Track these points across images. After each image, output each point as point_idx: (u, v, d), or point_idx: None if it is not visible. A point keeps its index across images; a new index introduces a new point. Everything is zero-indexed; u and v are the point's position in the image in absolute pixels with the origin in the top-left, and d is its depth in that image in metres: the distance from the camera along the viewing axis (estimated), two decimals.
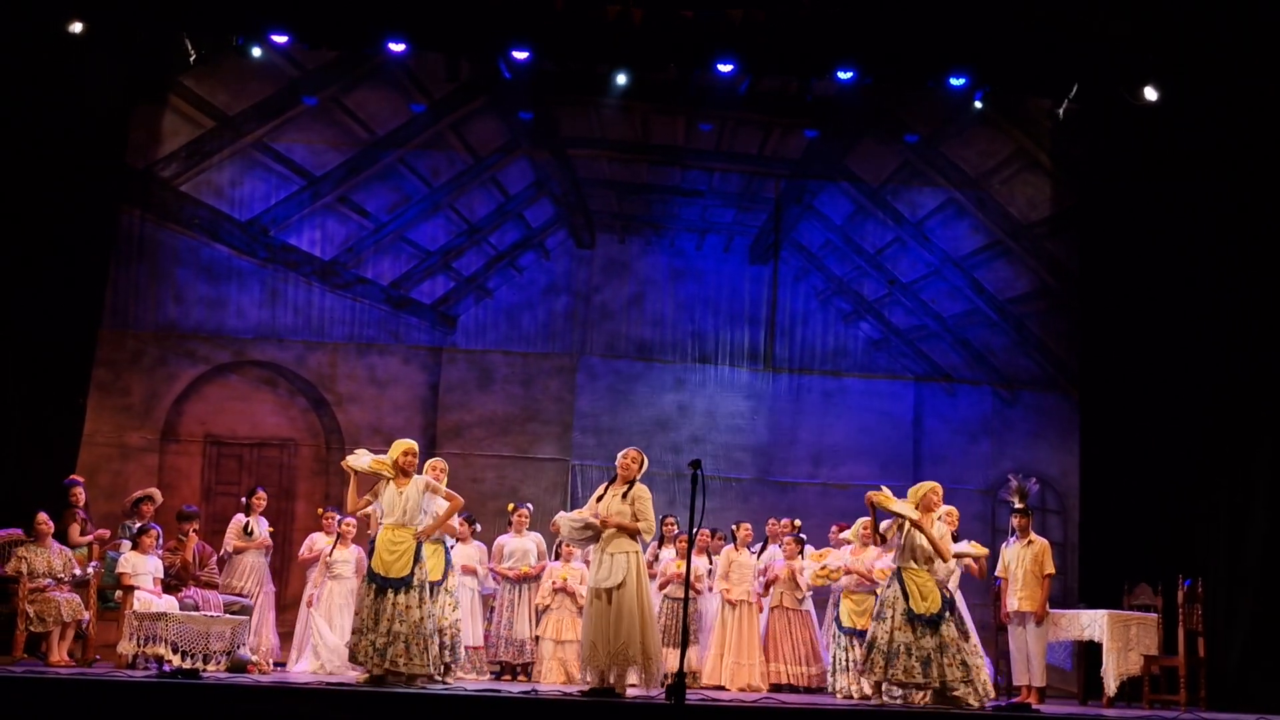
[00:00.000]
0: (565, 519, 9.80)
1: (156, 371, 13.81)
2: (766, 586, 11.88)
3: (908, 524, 10.03)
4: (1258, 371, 12.26)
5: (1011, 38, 12.86)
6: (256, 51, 13.51)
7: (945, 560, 10.14)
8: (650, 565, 11.98)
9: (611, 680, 9.38)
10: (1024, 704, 10.39)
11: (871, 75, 13.49)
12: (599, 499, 9.75)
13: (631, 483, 9.69)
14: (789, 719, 9.35)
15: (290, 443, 13.89)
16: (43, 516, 10.99)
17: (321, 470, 13.69)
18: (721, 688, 11.55)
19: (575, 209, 14.46)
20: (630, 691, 9.41)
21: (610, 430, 14.11)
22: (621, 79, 13.63)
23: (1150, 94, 12.87)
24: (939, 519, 10.18)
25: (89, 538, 11.55)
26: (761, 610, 11.98)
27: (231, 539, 11.98)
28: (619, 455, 9.81)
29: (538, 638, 11.54)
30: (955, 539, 10.91)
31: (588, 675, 9.51)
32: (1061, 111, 13.91)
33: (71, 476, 12.10)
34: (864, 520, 10.97)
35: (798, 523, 12.43)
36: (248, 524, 11.98)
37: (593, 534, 9.63)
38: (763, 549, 12.31)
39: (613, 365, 14.32)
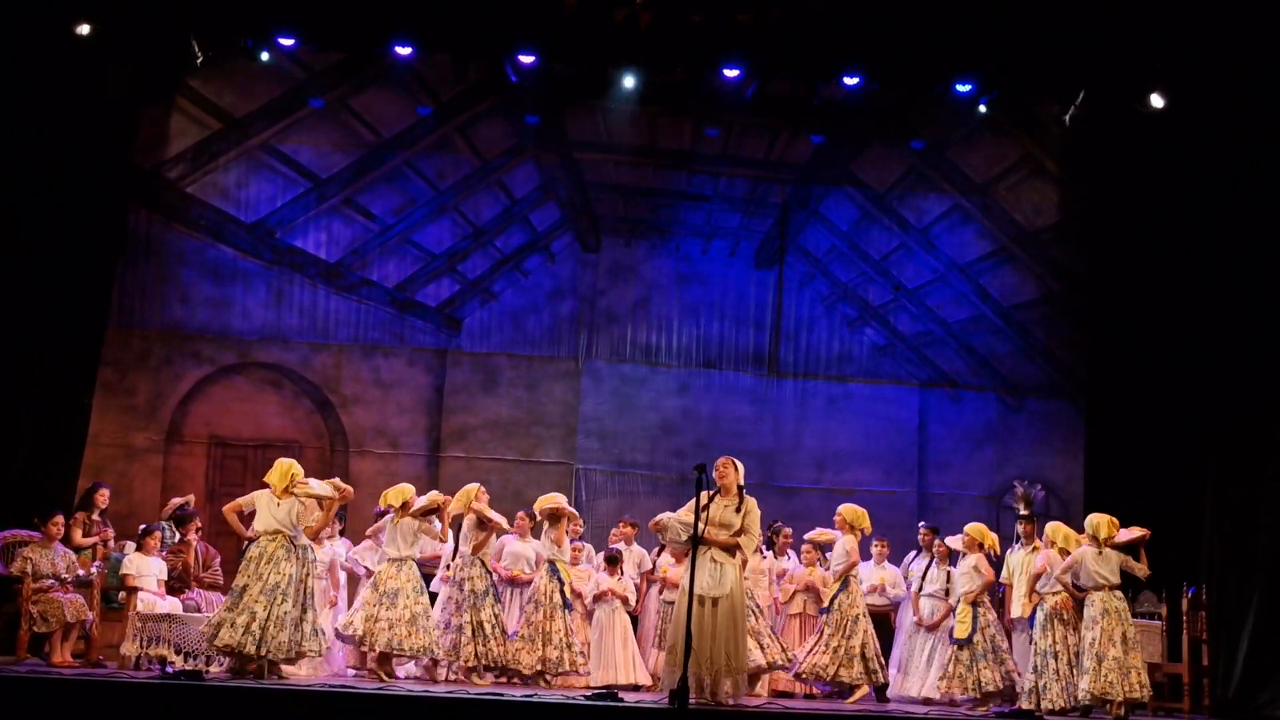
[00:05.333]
0: (677, 521, 9.73)
1: (162, 372, 13.83)
2: (792, 595, 11.83)
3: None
4: (1265, 379, 12.23)
5: (1018, 44, 12.85)
6: (264, 55, 13.51)
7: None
8: (651, 570, 12.00)
9: (709, 688, 9.37)
10: (1028, 710, 10.38)
11: (878, 80, 13.47)
12: (703, 508, 9.57)
13: (741, 494, 9.68)
14: None
15: (295, 444, 13.88)
16: (58, 519, 11.01)
17: (326, 472, 13.64)
18: None
19: (581, 212, 14.47)
20: (729, 702, 9.47)
21: (614, 434, 14.13)
22: (629, 82, 13.60)
23: (1157, 100, 12.87)
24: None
25: (92, 540, 11.55)
26: (779, 614, 11.94)
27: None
28: (715, 464, 9.77)
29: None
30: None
31: (674, 681, 9.27)
32: (1068, 118, 13.89)
33: (96, 481, 12.16)
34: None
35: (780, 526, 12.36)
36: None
37: (689, 541, 9.63)
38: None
39: (617, 369, 14.31)
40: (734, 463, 9.87)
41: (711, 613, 9.45)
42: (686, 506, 9.74)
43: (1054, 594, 10.62)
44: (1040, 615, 10.65)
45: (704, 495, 9.58)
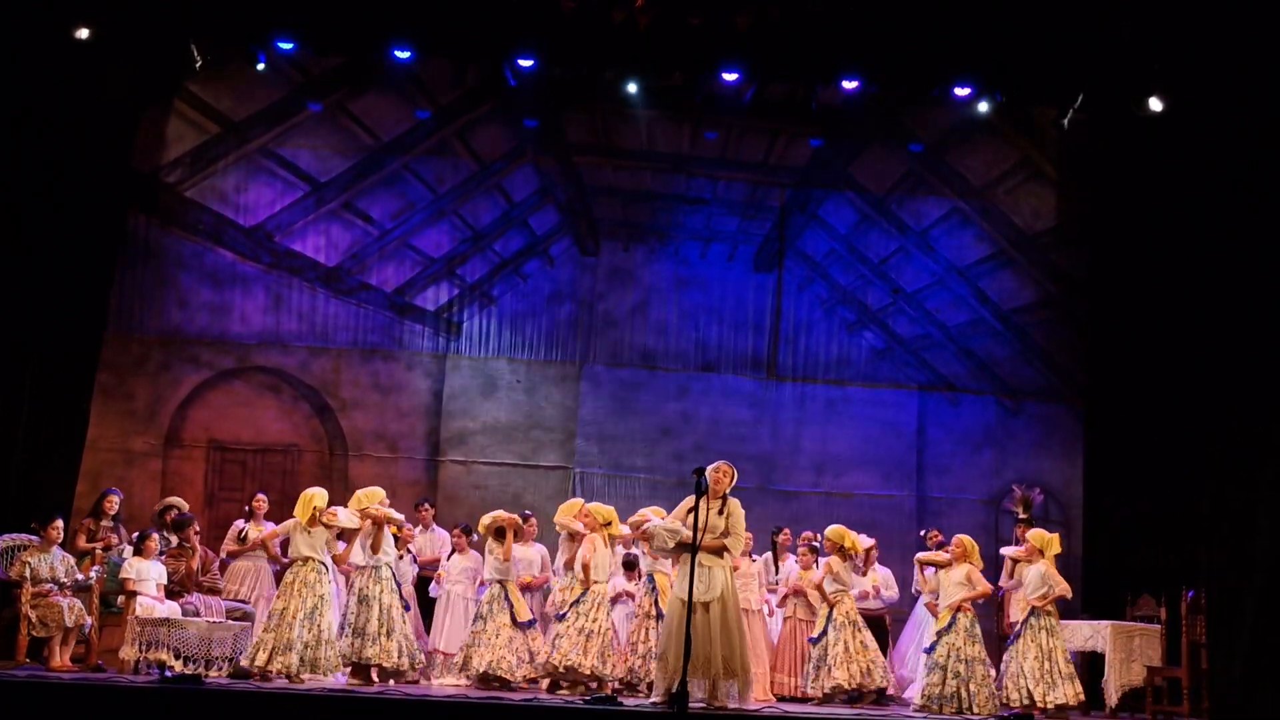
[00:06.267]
0: (663, 528, 9.77)
1: (160, 376, 13.82)
2: (784, 598, 11.84)
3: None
4: (1264, 383, 12.22)
5: (1017, 47, 12.86)
6: (260, 65, 13.52)
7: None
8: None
9: (708, 692, 9.39)
10: (1027, 714, 10.40)
11: (877, 84, 13.48)
12: (689, 511, 9.69)
13: (724, 497, 9.71)
14: None
15: (294, 448, 13.89)
16: (57, 523, 11.02)
17: (325, 476, 13.66)
18: None
19: (580, 216, 14.47)
20: (730, 705, 9.50)
21: (613, 438, 14.13)
22: (627, 86, 13.62)
23: (1155, 104, 12.88)
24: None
25: (94, 545, 11.55)
26: (773, 616, 11.94)
27: (228, 544, 12.04)
28: (709, 469, 9.81)
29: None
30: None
31: (674, 687, 9.38)
32: (1067, 121, 13.89)
33: (107, 487, 12.18)
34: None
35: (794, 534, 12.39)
36: (244, 530, 12.02)
37: (679, 546, 9.66)
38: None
39: (616, 373, 14.31)
40: (733, 470, 9.91)
41: (704, 617, 9.46)
42: (672, 514, 9.83)
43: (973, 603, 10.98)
44: (965, 621, 10.85)
45: (691, 499, 9.67)
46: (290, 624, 10.21)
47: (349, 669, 10.63)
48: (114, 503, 11.85)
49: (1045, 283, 14.55)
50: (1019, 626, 11.04)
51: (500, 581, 11.10)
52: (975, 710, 10.56)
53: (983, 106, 13.75)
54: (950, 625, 10.84)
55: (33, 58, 12.46)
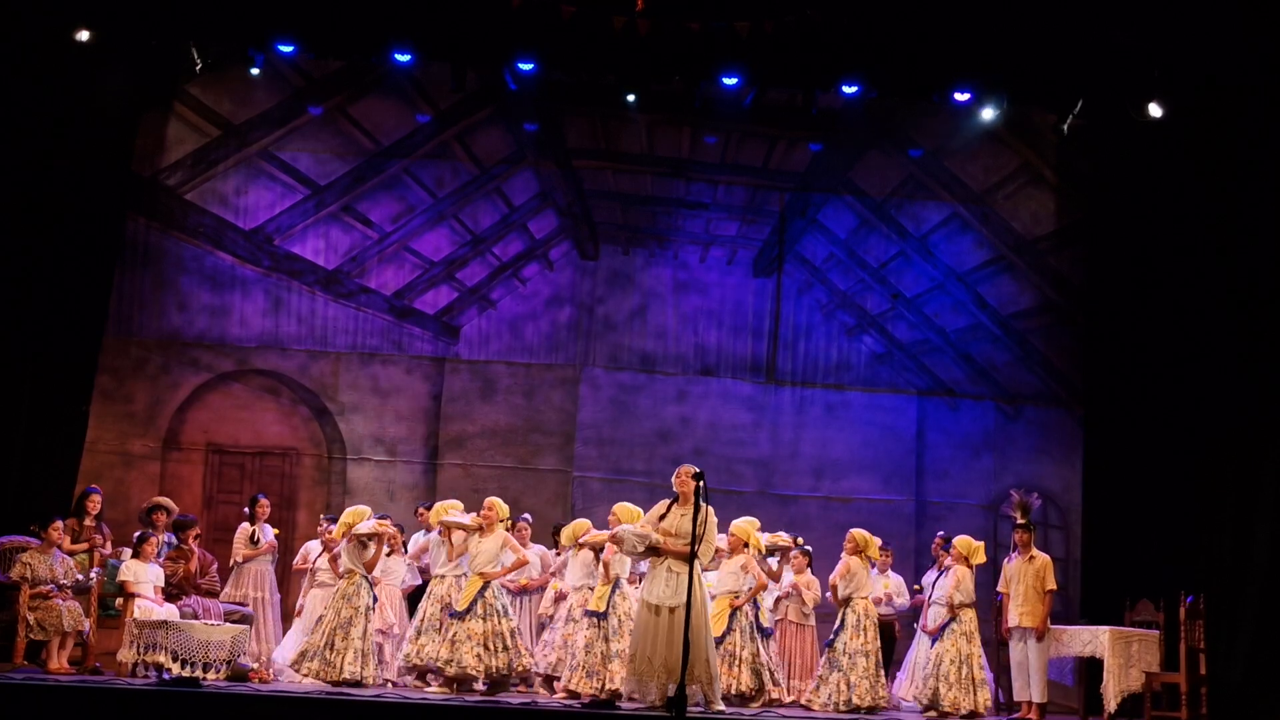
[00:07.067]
0: (632, 533, 9.81)
1: (160, 379, 13.83)
2: (777, 601, 11.83)
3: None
4: (1262, 388, 12.23)
5: (1017, 52, 12.88)
6: (254, 70, 13.52)
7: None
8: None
9: (660, 695, 9.38)
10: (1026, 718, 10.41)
11: (876, 89, 13.50)
12: (661, 516, 9.76)
13: (696, 502, 9.72)
14: None
15: (292, 452, 13.89)
16: (57, 524, 11.02)
17: (323, 479, 13.69)
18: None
19: (579, 220, 14.48)
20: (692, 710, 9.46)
21: (612, 442, 14.13)
22: (628, 91, 13.63)
23: (1155, 110, 12.89)
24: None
25: (81, 546, 11.54)
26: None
27: (240, 548, 12.00)
28: (675, 473, 9.87)
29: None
30: None
31: (639, 691, 9.46)
32: (1066, 127, 13.90)
33: (91, 485, 12.16)
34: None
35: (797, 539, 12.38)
36: (254, 532, 12.01)
37: (648, 550, 9.69)
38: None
39: (615, 377, 14.31)
40: (694, 472, 9.92)
41: (669, 621, 9.47)
42: (644, 519, 9.96)
43: (862, 598, 10.99)
44: (853, 617, 10.88)
45: (663, 504, 9.73)
46: (324, 632, 10.76)
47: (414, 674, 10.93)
48: (96, 501, 11.84)
49: (1045, 288, 14.55)
50: (942, 630, 11.14)
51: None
52: (856, 700, 10.58)
53: (983, 112, 13.75)
54: (842, 621, 10.91)
55: (33, 60, 12.48)
